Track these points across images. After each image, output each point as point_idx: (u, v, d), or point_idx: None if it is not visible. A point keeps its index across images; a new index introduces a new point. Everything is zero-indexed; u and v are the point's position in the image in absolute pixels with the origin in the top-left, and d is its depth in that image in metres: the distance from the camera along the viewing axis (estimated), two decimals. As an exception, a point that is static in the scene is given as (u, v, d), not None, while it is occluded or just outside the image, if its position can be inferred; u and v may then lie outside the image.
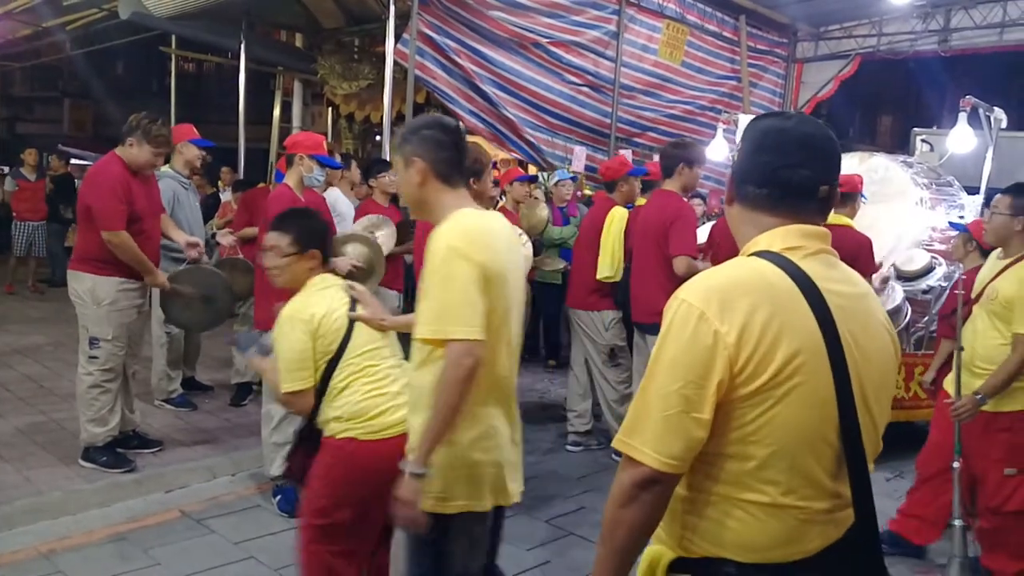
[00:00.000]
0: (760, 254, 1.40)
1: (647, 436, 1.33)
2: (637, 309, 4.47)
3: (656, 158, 8.30)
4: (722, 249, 4.43)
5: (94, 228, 4.02)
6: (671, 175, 4.44)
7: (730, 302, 1.32)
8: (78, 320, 4.16)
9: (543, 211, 5.73)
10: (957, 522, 3.36)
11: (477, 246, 2.01)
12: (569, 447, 5.22)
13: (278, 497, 3.99)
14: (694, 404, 1.31)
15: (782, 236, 1.42)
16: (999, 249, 3.64)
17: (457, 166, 2.17)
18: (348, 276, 4.18)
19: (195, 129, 5.13)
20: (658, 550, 1.46)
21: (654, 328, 4.28)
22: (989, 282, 3.54)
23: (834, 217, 4.99)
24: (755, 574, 1.37)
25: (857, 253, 4.91)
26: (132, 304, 4.20)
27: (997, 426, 3.44)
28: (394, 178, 5.41)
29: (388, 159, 5.72)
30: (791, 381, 1.31)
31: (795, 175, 1.43)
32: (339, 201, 5.08)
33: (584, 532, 3.96)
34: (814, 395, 1.32)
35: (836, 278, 1.42)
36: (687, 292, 1.37)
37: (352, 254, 4.32)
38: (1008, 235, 3.50)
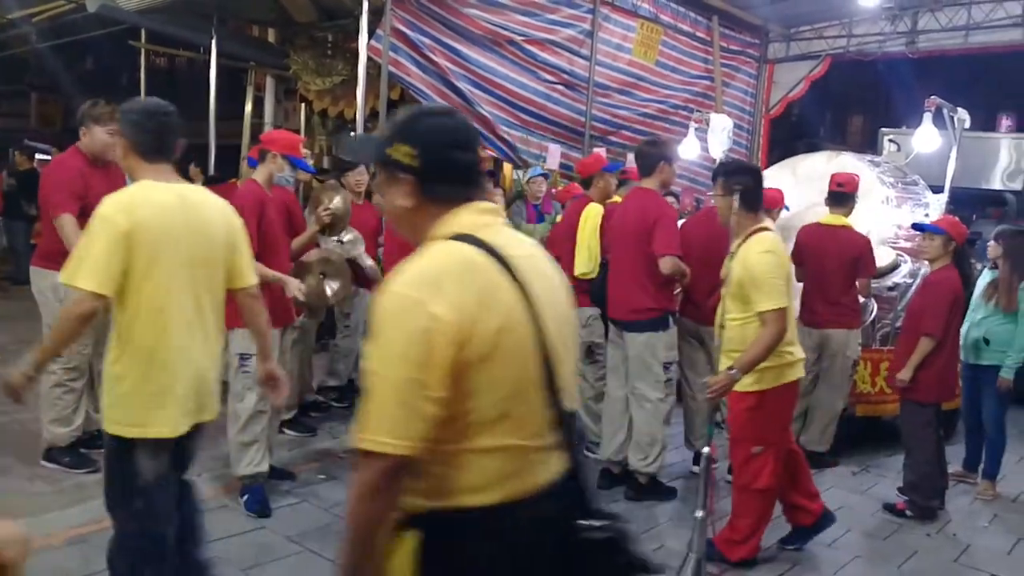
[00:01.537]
0: (454, 236, 1.52)
1: (387, 428, 1.41)
2: (615, 306, 4.46)
3: (631, 156, 8.40)
4: (693, 247, 4.46)
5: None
6: (650, 173, 4.42)
7: (439, 285, 1.43)
8: (42, 318, 4.09)
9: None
10: (699, 513, 3.30)
11: (124, 212, 2.39)
12: (541, 444, 5.23)
13: (245, 497, 3.95)
14: (425, 386, 1.40)
15: (468, 216, 1.55)
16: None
17: (155, 145, 2.53)
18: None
19: None
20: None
21: (632, 325, 4.35)
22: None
23: (832, 217, 5.08)
24: (486, 512, 1.48)
25: (859, 253, 4.99)
26: None
27: (744, 405, 3.52)
28: (362, 177, 5.38)
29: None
30: (503, 343, 1.45)
31: (466, 159, 1.58)
32: None
33: (555, 528, 3.97)
34: (522, 350, 1.49)
35: (515, 244, 1.57)
36: (397, 284, 1.46)
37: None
38: (729, 216, 3.57)
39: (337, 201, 4.63)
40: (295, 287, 4.01)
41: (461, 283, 1.44)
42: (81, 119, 4.07)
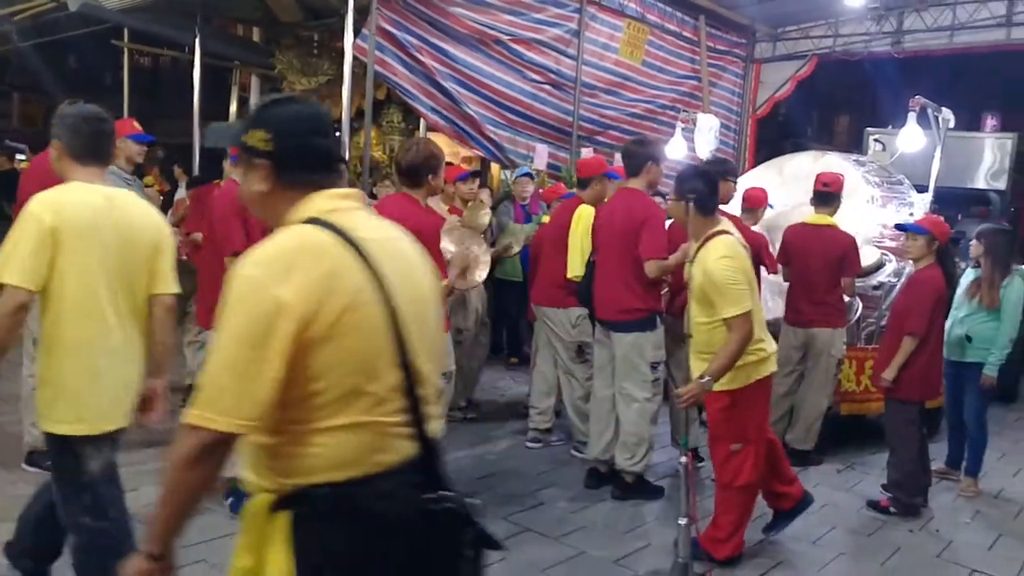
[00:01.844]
0: (307, 220, 1.56)
1: (225, 405, 1.44)
2: (602, 307, 4.44)
3: (618, 156, 8.40)
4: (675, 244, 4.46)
5: None
6: (637, 173, 4.40)
7: (286, 268, 1.47)
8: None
9: (485, 217, 5.53)
10: (682, 520, 3.35)
11: (50, 210, 2.45)
12: (529, 444, 5.22)
13: (230, 499, 3.92)
14: (263, 366, 1.44)
15: (322, 202, 1.60)
16: None
17: (89, 148, 2.62)
18: None
19: (135, 123, 5.02)
20: (261, 498, 1.58)
21: (620, 325, 4.35)
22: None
23: (818, 217, 5.09)
24: (345, 489, 1.52)
25: (844, 253, 5.01)
26: None
27: (719, 405, 3.56)
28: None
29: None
30: (350, 321, 1.50)
31: (320, 145, 1.65)
32: None
33: (541, 528, 3.97)
34: (371, 330, 1.53)
35: (369, 228, 1.62)
36: (246, 266, 1.50)
37: None
38: (684, 221, 3.59)
39: None
40: None
41: (308, 266, 1.48)
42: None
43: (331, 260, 1.51)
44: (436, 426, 1.65)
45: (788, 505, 3.92)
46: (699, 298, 3.49)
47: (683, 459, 3.42)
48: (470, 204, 5.46)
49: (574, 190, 5.43)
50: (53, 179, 3.91)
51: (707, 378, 3.36)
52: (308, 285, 1.46)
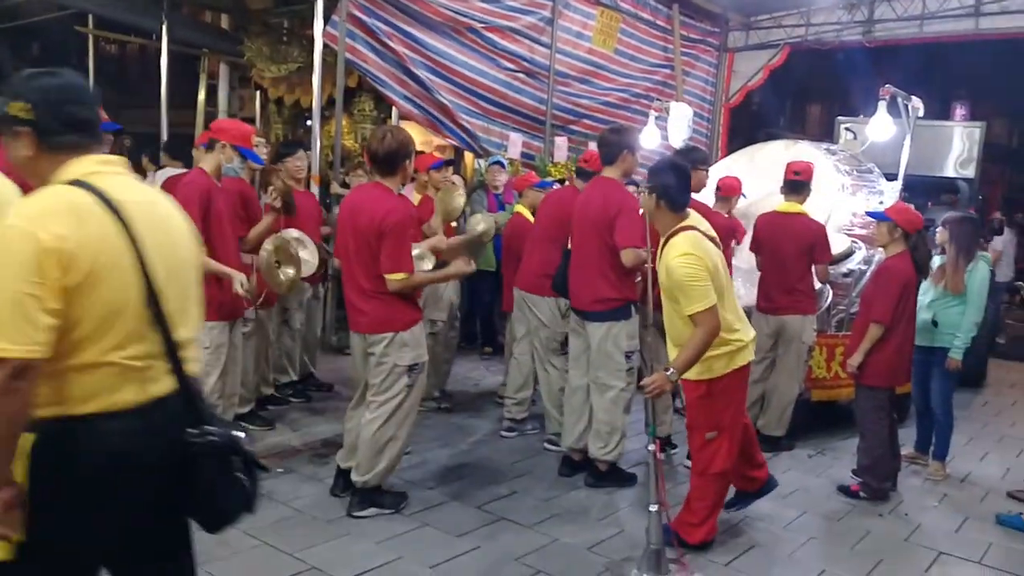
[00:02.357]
0: (69, 182, 1.78)
1: (12, 335, 1.63)
2: (577, 297, 4.42)
3: (592, 145, 8.39)
4: (655, 235, 4.44)
5: None
6: (612, 161, 4.36)
7: (49, 220, 1.68)
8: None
9: (459, 198, 5.48)
10: (653, 507, 3.39)
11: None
12: (504, 433, 5.22)
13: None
14: (40, 299, 1.65)
15: (83, 166, 1.82)
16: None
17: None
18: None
19: (101, 110, 4.93)
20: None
21: (595, 315, 4.32)
22: None
23: (788, 205, 5.12)
24: (88, 420, 1.75)
25: (814, 240, 5.04)
26: None
27: (696, 393, 3.59)
28: (301, 163, 5.30)
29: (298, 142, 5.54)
30: (100, 273, 1.72)
31: (80, 113, 1.85)
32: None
33: (516, 517, 3.97)
34: (121, 281, 1.77)
35: (128, 191, 1.85)
36: (11, 218, 1.70)
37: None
38: (654, 214, 3.58)
39: (281, 183, 4.61)
40: (239, 282, 3.93)
41: (64, 219, 1.70)
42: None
43: (88, 216, 1.73)
44: (194, 367, 1.94)
45: (753, 487, 3.98)
46: (667, 293, 3.50)
47: (651, 447, 3.43)
48: (443, 187, 5.38)
49: (553, 182, 5.37)
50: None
51: (672, 370, 3.38)
52: (65, 234, 1.68)
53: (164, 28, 8.67)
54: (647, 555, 3.39)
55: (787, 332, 5.10)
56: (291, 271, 4.56)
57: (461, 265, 3.91)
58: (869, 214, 4.80)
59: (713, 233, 3.62)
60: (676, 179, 3.53)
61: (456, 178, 5.92)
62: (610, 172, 4.39)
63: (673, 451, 4.98)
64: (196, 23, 10.02)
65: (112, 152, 5.33)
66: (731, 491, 3.96)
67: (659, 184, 3.50)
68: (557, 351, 4.94)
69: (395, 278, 3.64)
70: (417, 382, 3.84)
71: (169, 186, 5.38)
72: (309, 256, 4.89)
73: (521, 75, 8.12)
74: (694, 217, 3.60)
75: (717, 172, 6.07)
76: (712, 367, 3.49)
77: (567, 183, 5.66)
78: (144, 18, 8.78)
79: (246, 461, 1.93)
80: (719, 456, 3.59)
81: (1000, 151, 16.17)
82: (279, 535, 3.62)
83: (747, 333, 3.61)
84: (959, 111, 13.65)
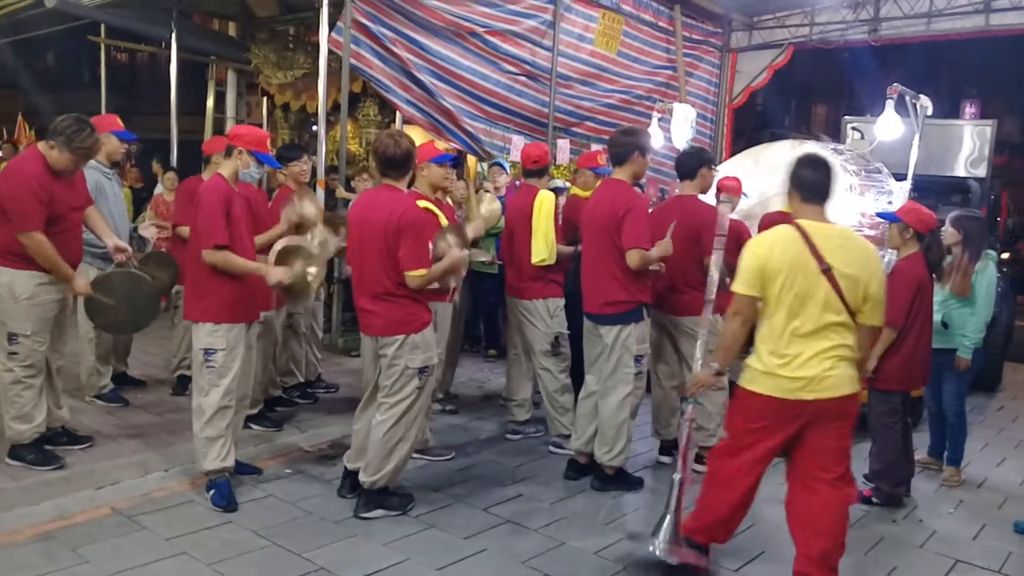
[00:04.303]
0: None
1: None
2: (588, 300, 4.40)
3: (593, 147, 8.41)
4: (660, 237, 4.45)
5: (9, 221, 3.92)
6: (623, 163, 4.33)
7: None
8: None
9: (494, 204, 5.43)
10: (676, 476, 3.51)
11: None
12: (508, 436, 5.24)
13: (211, 492, 3.93)
14: None
15: None
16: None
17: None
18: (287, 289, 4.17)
19: (119, 120, 4.99)
20: None
21: (606, 319, 4.30)
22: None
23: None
24: None
25: None
26: (52, 299, 4.09)
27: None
28: (305, 167, 5.32)
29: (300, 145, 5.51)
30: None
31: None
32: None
33: (521, 520, 3.99)
34: None
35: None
36: None
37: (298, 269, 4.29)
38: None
39: (308, 206, 4.59)
40: (276, 275, 3.97)
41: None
42: (55, 133, 3.94)
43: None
44: None
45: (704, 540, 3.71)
46: None
47: (685, 421, 3.53)
48: (480, 193, 5.32)
49: (519, 180, 5.35)
50: (36, 189, 3.93)
51: (714, 364, 3.37)
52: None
53: (173, 36, 8.78)
54: (662, 522, 3.44)
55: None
56: (314, 270, 4.58)
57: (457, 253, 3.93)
58: (880, 215, 4.74)
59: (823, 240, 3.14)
60: (812, 171, 3.24)
61: (460, 183, 5.92)
62: (620, 173, 4.37)
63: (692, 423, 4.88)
64: (204, 31, 10.13)
65: (121, 159, 5.37)
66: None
67: (794, 175, 3.25)
68: (549, 352, 4.96)
69: (416, 274, 3.70)
70: (427, 384, 3.89)
71: (189, 189, 5.37)
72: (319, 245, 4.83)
73: (523, 78, 8.15)
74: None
75: (721, 172, 6.07)
76: (741, 374, 3.27)
77: (519, 184, 5.61)
78: (154, 27, 8.90)
79: None
80: (719, 453, 3.41)
81: (1012, 150, 16.01)
82: (287, 536, 3.66)
83: (792, 368, 3.04)
84: (969, 109, 13.55)
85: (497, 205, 5.58)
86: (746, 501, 3.34)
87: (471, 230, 4.59)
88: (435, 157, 4.62)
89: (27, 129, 11.99)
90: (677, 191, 5.05)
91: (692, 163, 4.68)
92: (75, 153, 3.98)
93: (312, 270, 4.38)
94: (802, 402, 3.05)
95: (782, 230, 3.14)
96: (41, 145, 4.03)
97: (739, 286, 3.16)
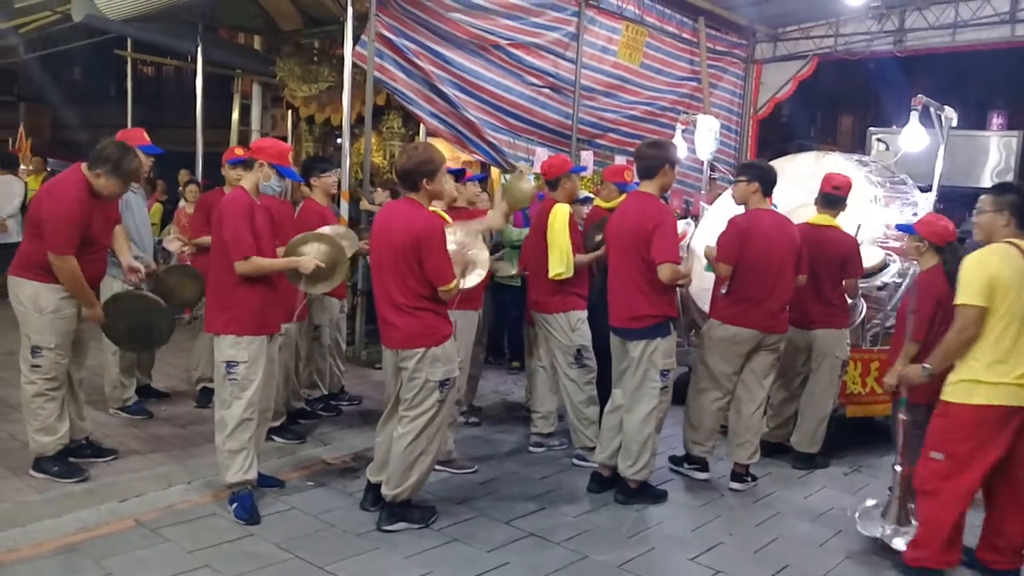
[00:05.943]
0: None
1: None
2: (615, 314, 4.36)
3: (617, 159, 8.39)
4: None
5: (43, 238, 3.95)
6: (652, 176, 4.28)
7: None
8: (20, 328, 4.07)
9: (528, 183, 5.26)
10: (897, 467, 3.91)
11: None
12: (532, 448, 5.20)
13: (234, 504, 3.92)
14: None
15: None
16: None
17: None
18: (311, 277, 4.17)
19: (145, 134, 5.03)
20: None
21: (633, 333, 4.26)
22: None
23: (821, 218, 5.04)
24: None
25: (847, 254, 4.96)
26: (75, 312, 4.12)
27: (939, 409, 3.64)
28: (334, 179, 5.35)
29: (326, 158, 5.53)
30: None
31: None
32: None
33: (545, 533, 3.95)
34: None
35: None
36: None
37: (312, 253, 4.23)
38: (992, 231, 3.62)
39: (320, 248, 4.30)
40: (309, 261, 4.03)
41: None
42: (101, 162, 3.98)
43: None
44: None
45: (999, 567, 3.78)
46: None
47: (901, 416, 3.92)
48: (517, 170, 5.18)
49: (543, 192, 5.30)
50: (78, 213, 3.99)
51: (928, 365, 3.61)
52: None
53: (199, 50, 8.88)
54: (890, 506, 3.89)
55: (820, 346, 5.02)
56: (345, 242, 4.59)
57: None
58: (899, 227, 4.70)
59: None
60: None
61: (484, 196, 5.89)
62: (647, 187, 4.32)
63: (753, 483, 4.83)
64: (230, 45, 10.26)
65: (151, 173, 5.39)
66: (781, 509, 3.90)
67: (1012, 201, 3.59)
68: (573, 364, 4.93)
69: (448, 288, 3.73)
70: (448, 397, 3.86)
71: (208, 203, 5.40)
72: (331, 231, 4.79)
73: (546, 90, 8.16)
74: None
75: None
76: (948, 390, 3.55)
77: (543, 195, 5.54)
78: (180, 41, 9.02)
79: None
80: (934, 476, 3.57)
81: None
82: (309, 548, 3.64)
83: (1009, 371, 3.42)
84: (996, 120, 13.40)
85: (531, 185, 5.40)
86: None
87: (493, 214, 4.45)
88: (469, 178, 5.07)
89: (25, 138, 12.21)
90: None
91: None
92: (123, 178, 4.04)
93: (344, 242, 4.37)
94: None
95: (1001, 247, 3.49)
96: (84, 169, 4.05)
97: (970, 298, 3.43)
